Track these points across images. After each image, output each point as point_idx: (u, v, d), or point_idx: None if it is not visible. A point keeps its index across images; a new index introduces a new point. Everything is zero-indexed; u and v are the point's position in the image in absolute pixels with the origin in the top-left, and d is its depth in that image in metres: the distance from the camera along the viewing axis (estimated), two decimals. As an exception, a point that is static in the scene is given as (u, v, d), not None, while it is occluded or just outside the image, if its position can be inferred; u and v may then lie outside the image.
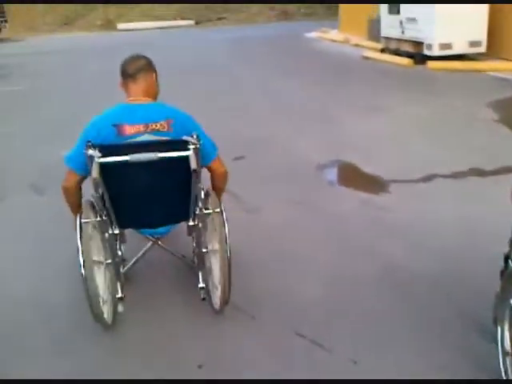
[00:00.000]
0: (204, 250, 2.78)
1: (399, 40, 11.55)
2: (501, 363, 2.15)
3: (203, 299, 2.79)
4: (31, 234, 3.91)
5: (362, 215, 4.00)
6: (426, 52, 10.49)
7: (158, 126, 2.54)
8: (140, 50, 3.28)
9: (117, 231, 2.70)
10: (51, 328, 2.73)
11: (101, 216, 2.56)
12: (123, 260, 2.98)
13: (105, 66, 12.16)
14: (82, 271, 2.33)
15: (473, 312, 2.69)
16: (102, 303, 2.46)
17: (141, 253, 3.04)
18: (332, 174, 5.03)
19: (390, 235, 3.62)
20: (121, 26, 25.84)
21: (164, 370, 2.38)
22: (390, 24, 11.83)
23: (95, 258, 2.54)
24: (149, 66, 2.73)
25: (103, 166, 2.33)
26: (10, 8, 29.66)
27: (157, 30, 23.62)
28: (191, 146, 2.41)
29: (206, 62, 12.86)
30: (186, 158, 2.40)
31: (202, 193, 2.73)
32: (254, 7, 27.65)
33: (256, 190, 4.62)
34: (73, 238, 2.42)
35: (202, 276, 2.85)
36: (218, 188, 2.89)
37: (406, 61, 10.77)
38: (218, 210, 2.57)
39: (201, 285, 2.82)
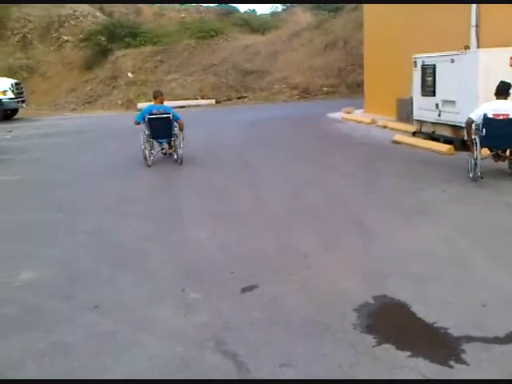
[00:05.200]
0: (176, 146, 9.80)
1: (435, 123, 10.39)
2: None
3: (176, 161, 9.76)
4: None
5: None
6: (468, 137, 9.25)
7: (161, 111, 9.69)
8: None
9: (152, 139, 9.88)
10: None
11: (147, 134, 9.63)
12: (152, 152, 9.89)
13: (98, 156, 11.24)
14: (142, 147, 9.58)
15: None
16: (147, 160, 9.61)
17: (157, 151, 10.14)
18: (378, 324, 3.56)
19: None
20: (140, 105, 25.45)
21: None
22: (423, 106, 10.71)
23: (144, 146, 9.59)
24: (162, 93, 10.33)
25: (148, 118, 9.57)
26: (35, 87, 30.00)
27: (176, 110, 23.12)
28: (171, 114, 9.63)
29: (218, 145, 11.85)
30: (169, 116, 9.58)
31: (176, 128, 9.63)
32: (276, 86, 27.24)
33: (268, 356, 3.24)
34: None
35: (176, 155, 9.77)
36: (180, 129, 9.67)
37: (445, 147, 9.52)
38: (180, 132, 9.65)
39: (175, 157, 9.82)
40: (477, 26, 9.52)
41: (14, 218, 6.66)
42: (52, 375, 3.17)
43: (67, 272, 4.80)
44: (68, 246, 5.51)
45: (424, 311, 3.65)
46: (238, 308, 3.91)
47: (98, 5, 36.31)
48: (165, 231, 5.89)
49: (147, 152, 9.50)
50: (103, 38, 30.55)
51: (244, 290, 4.18)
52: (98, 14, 35.50)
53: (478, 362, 3.05)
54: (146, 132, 9.53)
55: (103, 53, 30.84)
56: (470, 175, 7.30)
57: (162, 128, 9.51)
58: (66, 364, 3.27)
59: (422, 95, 10.78)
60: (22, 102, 21.27)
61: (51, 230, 6.17)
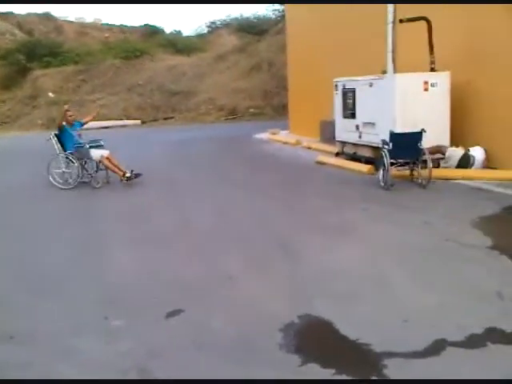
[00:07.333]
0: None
1: (356, 144, 10.76)
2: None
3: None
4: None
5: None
6: (387, 158, 9.64)
7: None
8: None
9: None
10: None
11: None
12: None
13: (14, 177, 10.82)
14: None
15: None
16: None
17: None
18: (303, 344, 3.59)
19: None
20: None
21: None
22: (345, 128, 11.08)
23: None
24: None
25: None
26: None
27: (99, 130, 22.58)
28: None
29: (144, 166, 11.65)
30: None
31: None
32: (203, 107, 27.28)
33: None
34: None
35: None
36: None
37: (365, 167, 9.86)
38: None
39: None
40: (393, 51, 9.91)
41: None
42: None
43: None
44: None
45: (348, 329, 3.72)
46: (162, 333, 3.82)
47: (16, 22, 35.12)
48: (86, 256, 5.69)
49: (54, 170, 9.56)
50: (22, 57, 29.51)
51: (169, 315, 4.10)
52: (17, 31, 34.30)
53: (398, 376, 3.14)
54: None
55: (22, 72, 29.80)
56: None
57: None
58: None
59: (344, 117, 11.15)
60: None
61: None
